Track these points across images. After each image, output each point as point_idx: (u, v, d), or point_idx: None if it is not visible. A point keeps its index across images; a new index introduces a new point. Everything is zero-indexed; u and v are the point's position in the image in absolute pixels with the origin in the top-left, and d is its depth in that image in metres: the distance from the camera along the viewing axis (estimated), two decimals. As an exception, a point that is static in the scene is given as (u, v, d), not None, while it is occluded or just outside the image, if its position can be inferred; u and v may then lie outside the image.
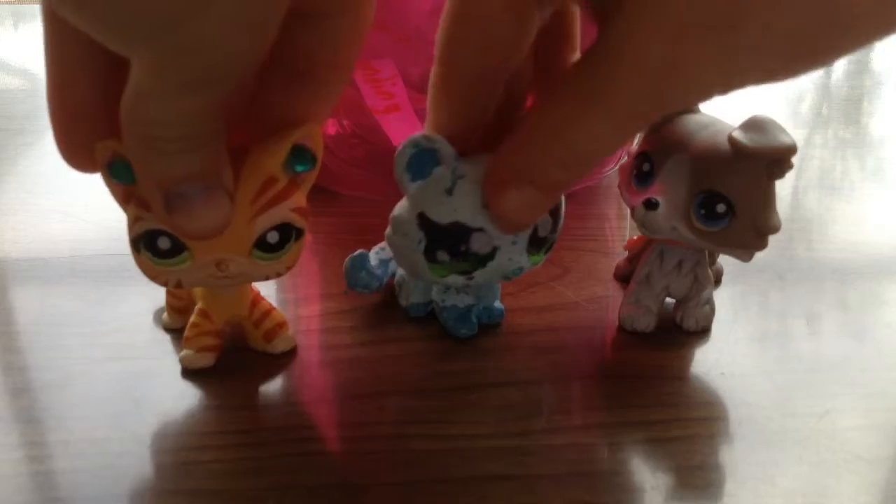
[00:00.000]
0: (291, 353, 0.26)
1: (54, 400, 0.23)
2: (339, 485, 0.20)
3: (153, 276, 0.21)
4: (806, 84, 0.60)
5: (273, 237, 0.21)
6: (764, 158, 0.23)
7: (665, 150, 0.24)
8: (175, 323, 0.27)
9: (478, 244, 0.23)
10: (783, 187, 0.41)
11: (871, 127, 0.51)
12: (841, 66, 0.64)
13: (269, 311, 0.25)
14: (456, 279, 0.24)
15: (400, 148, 0.22)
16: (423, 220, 0.22)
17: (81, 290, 0.29)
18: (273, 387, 0.24)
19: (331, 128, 0.39)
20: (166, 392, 0.24)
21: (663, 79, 0.17)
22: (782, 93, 0.57)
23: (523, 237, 0.23)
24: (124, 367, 0.25)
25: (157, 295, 0.27)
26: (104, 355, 0.25)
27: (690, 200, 0.24)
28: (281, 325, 0.25)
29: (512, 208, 0.21)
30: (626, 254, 0.31)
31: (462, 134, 0.22)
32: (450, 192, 0.22)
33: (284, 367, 0.25)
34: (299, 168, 0.21)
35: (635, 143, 0.27)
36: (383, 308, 0.29)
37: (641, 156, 0.25)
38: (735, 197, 0.23)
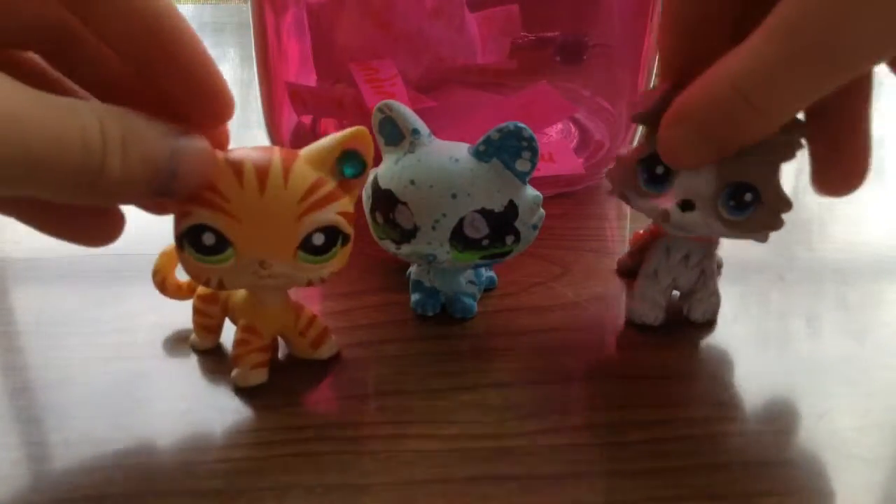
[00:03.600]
0: (290, 353, 0.26)
1: (54, 400, 0.23)
2: (339, 485, 0.20)
3: (196, 275, 0.21)
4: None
5: (318, 239, 0.21)
6: (782, 140, 0.23)
7: None
8: (206, 343, 0.26)
9: (401, 217, 0.25)
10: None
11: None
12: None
13: (313, 318, 0.25)
14: (388, 244, 0.26)
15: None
16: (375, 181, 0.25)
17: (81, 290, 0.29)
18: (273, 387, 0.24)
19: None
20: (166, 392, 0.24)
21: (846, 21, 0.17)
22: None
23: (444, 226, 0.24)
24: (124, 367, 0.25)
25: (157, 294, 0.27)
26: (104, 355, 0.25)
27: (718, 194, 0.24)
28: (326, 332, 0.25)
29: (670, 137, 0.22)
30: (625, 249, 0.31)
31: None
32: (396, 162, 0.25)
33: (284, 368, 0.25)
34: (348, 172, 0.21)
35: (630, 146, 0.26)
36: (383, 308, 0.29)
37: (651, 159, 0.25)
38: (760, 184, 0.23)
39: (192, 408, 0.23)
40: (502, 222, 0.24)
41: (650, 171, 0.25)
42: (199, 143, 0.19)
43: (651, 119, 0.24)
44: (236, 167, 0.20)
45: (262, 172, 0.20)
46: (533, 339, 0.27)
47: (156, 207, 0.22)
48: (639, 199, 0.25)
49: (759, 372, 0.25)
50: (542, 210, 0.25)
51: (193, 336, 0.26)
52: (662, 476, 0.21)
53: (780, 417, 0.23)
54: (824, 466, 0.21)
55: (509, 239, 0.25)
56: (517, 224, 0.25)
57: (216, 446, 0.22)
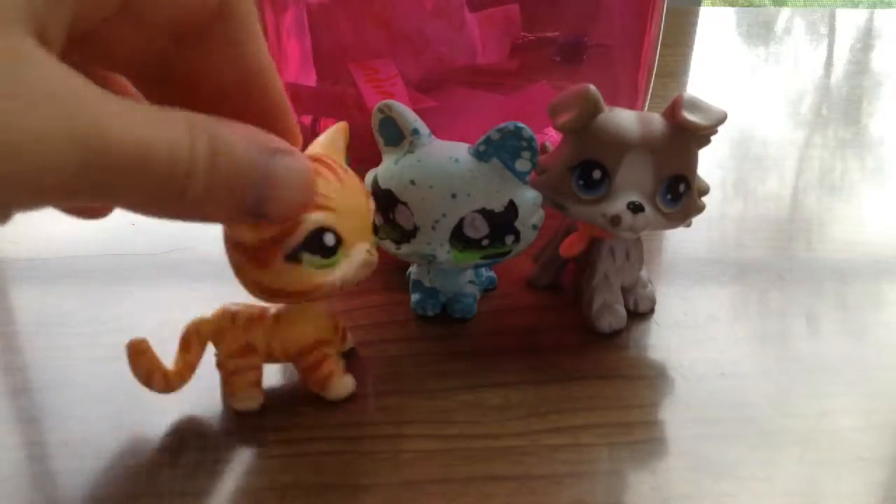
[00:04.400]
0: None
1: (54, 400, 0.23)
2: (339, 485, 0.20)
3: (317, 285, 0.20)
4: (806, 84, 0.60)
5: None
6: (709, 133, 0.24)
7: (616, 152, 0.24)
8: (257, 400, 0.23)
9: (401, 217, 0.25)
10: (783, 187, 0.41)
11: (871, 127, 0.51)
12: (841, 66, 0.64)
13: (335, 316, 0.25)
14: (388, 245, 0.26)
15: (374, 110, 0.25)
16: (375, 181, 0.25)
17: (81, 290, 0.29)
18: (273, 387, 0.24)
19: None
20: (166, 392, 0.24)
21: None
22: (782, 93, 0.57)
23: (444, 226, 0.24)
24: (124, 367, 0.25)
25: (156, 295, 0.27)
26: (104, 355, 0.25)
27: (657, 189, 0.24)
28: (345, 330, 0.26)
29: None
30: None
31: None
32: (396, 162, 0.25)
33: (284, 369, 0.25)
34: None
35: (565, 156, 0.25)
36: (384, 308, 0.29)
37: (585, 164, 0.24)
38: (690, 173, 0.25)
39: (192, 408, 0.23)
40: (502, 222, 0.24)
41: (586, 177, 0.24)
42: (298, 161, 0.17)
43: (579, 126, 0.24)
44: (322, 163, 0.20)
45: (338, 163, 0.21)
46: (532, 339, 0.27)
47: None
48: (578, 207, 0.25)
49: (758, 372, 0.25)
50: (542, 210, 0.25)
51: (241, 401, 0.23)
52: (662, 476, 0.21)
53: (780, 418, 0.23)
54: (824, 466, 0.21)
55: (509, 239, 0.25)
56: (517, 224, 0.25)
57: (216, 446, 0.22)
